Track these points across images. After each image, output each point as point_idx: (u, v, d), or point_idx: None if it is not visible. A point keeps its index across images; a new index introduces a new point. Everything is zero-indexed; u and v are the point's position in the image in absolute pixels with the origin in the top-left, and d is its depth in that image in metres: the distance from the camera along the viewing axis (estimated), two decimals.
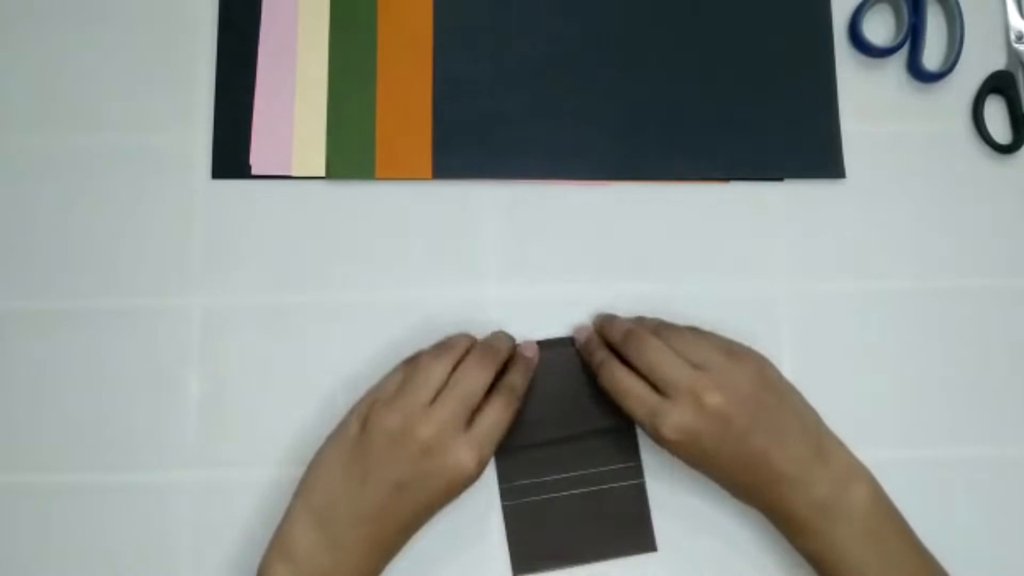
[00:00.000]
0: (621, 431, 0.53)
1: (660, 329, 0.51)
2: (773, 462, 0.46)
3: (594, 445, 0.53)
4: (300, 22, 0.57)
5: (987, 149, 0.58)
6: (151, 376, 0.54)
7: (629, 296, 0.55)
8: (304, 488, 0.48)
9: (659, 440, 0.47)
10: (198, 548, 0.52)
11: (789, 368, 0.54)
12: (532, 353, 0.53)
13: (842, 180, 0.57)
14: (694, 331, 0.51)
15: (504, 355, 0.51)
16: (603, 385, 0.50)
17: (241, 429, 0.53)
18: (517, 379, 0.51)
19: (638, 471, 0.53)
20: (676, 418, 0.46)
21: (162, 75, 0.57)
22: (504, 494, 0.53)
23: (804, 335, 0.55)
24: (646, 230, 0.56)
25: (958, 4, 0.58)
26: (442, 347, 0.50)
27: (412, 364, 0.50)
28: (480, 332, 0.54)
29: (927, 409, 0.55)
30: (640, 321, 0.52)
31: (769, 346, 0.55)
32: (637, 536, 0.53)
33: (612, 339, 0.51)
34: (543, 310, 0.55)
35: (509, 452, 0.51)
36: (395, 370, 0.50)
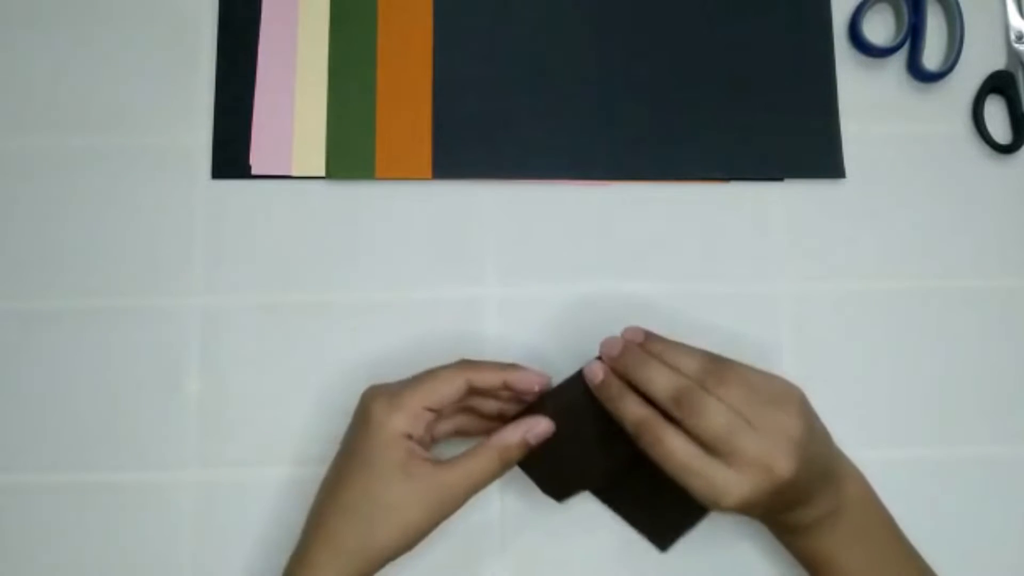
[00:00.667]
0: None
1: (701, 375, 0.44)
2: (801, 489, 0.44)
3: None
4: (300, 22, 0.57)
5: (987, 149, 0.58)
6: (151, 376, 0.54)
7: (629, 296, 0.55)
8: None
9: (717, 510, 0.43)
10: (198, 548, 0.52)
11: (789, 368, 0.54)
12: (543, 428, 0.47)
13: (842, 180, 0.57)
14: (732, 370, 0.45)
15: (484, 376, 0.47)
16: (648, 451, 0.44)
17: (241, 429, 0.53)
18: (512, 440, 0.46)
19: None
20: (745, 492, 0.42)
21: (162, 75, 0.57)
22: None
23: (804, 335, 0.55)
24: (646, 230, 0.56)
25: (958, 4, 0.58)
26: (468, 364, 0.48)
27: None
28: (480, 331, 0.54)
29: (927, 409, 0.55)
30: (662, 349, 0.46)
31: (769, 346, 0.55)
32: (664, 531, 0.52)
33: (651, 390, 0.45)
34: (543, 310, 0.55)
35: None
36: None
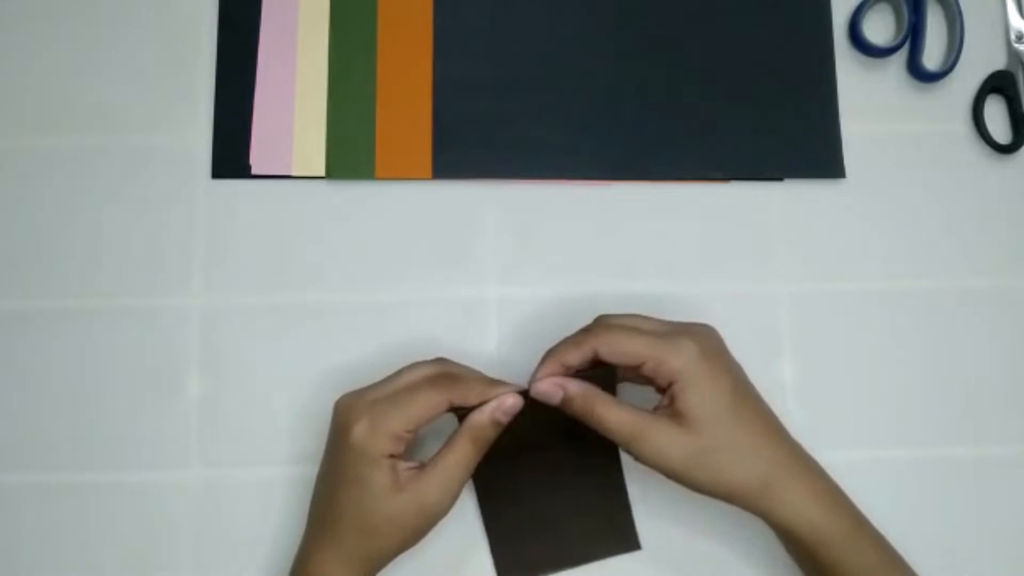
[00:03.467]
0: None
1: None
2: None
3: (569, 452, 0.52)
4: (300, 22, 0.57)
5: (987, 149, 0.58)
6: (151, 376, 0.54)
7: (629, 296, 0.55)
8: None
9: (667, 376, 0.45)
10: (198, 548, 0.52)
11: (789, 368, 0.54)
12: (511, 405, 0.47)
13: (842, 180, 0.57)
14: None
15: (464, 391, 0.46)
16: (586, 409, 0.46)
17: (241, 429, 0.53)
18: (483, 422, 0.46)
19: (617, 468, 0.52)
20: (688, 345, 0.46)
21: (162, 75, 0.57)
22: (482, 502, 0.52)
23: (804, 335, 0.55)
24: (646, 230, 0.56)
25: (958, 4, 0.58)
26: (449, 378, 0.47)
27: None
28: (480, 331, 0.54)
29: (927, 409, 0.55)
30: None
31: (769, 346, 0.55)
32: (621, 535, 0.52)
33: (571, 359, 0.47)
34: (543, 310, 0.55)
35: (485, 463, 0.48)
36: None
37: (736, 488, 0.46)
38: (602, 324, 0.48)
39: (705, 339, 0.47)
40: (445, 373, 0.47)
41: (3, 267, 0.55)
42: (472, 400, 0.46)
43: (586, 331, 0.48)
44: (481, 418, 0.46)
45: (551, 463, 0.52)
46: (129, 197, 0.56)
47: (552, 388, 0.46)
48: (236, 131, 0.56)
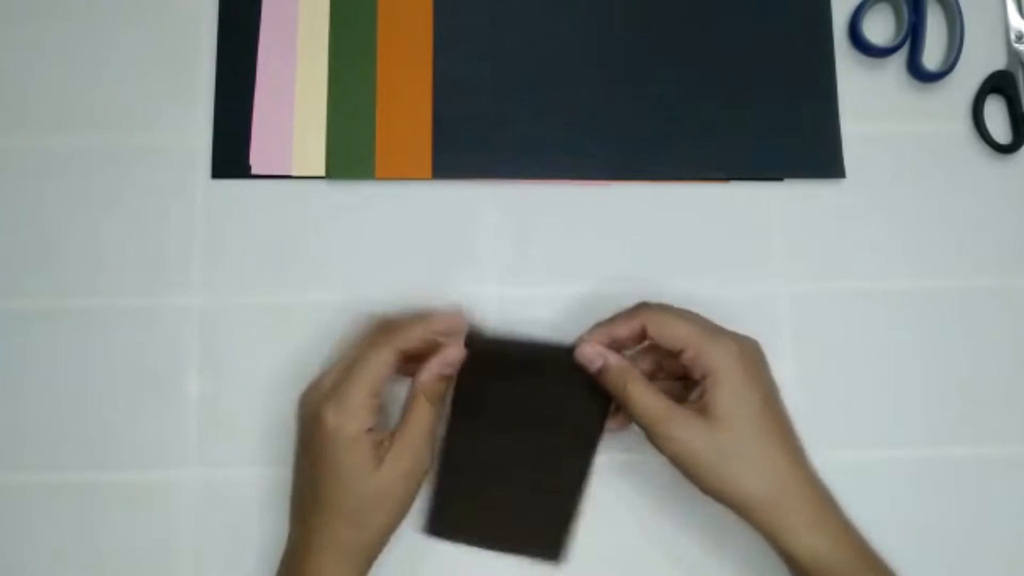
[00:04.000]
0: (581, 432, 0.51)
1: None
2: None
3: (546, 440, 0.51)
4: (300, 22, 0.57)
5: (987, 149, 0.58)
6: (151, 376, 0.54)
7: (629, 296, 0.55)
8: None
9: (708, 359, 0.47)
10: (198, 548, 0.52)
11: (789, 368, 0.54)
12: (455, 355, 0.48)
13: (842, 180, 0.57)
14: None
15: (407, 340, 0.47)
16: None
17: (241, 429, 0.53)
18: (430, 378, 0.48)
19: (583, 474, 0.51)
20: (730, 345, 0.47)
21: (162, 75, 0.57)
22: (443, 455, 0.50)
23: (804, 335, 0.55)
24: (646, 230, 0.56)
25: (958, 4, 0.58)
26: (384, 330, 0.49)
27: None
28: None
29: (927, 409, 0.55)
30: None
31: (769, 346, 0.55)
32: (550, 542, 0.51)
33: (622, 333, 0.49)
34: (543, 310, 0.55)
35: (463, 418, 0.50)
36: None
37: (744, 496, 0.46)
38: (652, 306, 0.49)
39: (748, 346, 0.48)
40: (381, 327, 0.49)
41: (3, 267, 0.55)
42: (414, 340, 0.48)
43: (637, 308, 0.49)
44: (428, 377, 0.47)
45: (524, 444, 0.51)
46: (129, 197, 0.56)
47: (594, 355, 0.48)
48: (236, 131, 0.56)
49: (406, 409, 0.48)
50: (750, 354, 0.48)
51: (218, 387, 0.54)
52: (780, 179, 0.57)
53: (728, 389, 0.46)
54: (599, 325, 0.49)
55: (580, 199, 0.56)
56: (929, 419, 0.55)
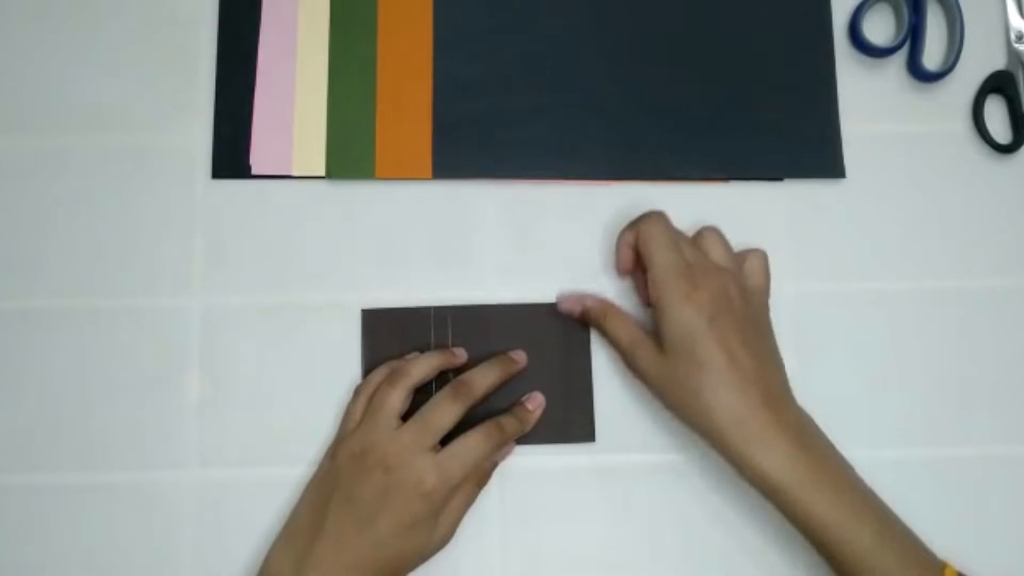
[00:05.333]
0: (574, 340, 0.54)
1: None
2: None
3: (545, 339, 0.54)
4: (300, 22, 0.57)
5: (987, 149, 0.58)
6: (151, 376, 0.54)
7: (629, 296, 0.55)
8: (284, 529, 0.50)
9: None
10: (198, 548, 0.52)
11: (789, 368, 0.54)
12: (522, 361, 0.53)
13: (842, 180, 0.57)
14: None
15: (477, 393, 0.51)
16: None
17: (241, 429, 0.53)
18: (507, 421, 0.51)
19: (587, 356, 0.54)
20: (668, 267, 0.49)
21: (162, 75, 0.57)
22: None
23: (804, 335, 0.55)
24: None
25: (958, 4, 0.58)
26: (396, 374, 0.51)
27: (370, 395, 0.51)
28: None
29: (927, 409, 0.55)
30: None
31: None
32: (580, 424, 0.54)
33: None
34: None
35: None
36: (353, 402, 0.51)
37: (705, 422, 0.47)
38: (657, 219, 0.51)
39: (708, 276, 0.49)
40: (461, 390, 0.50)
41: (3, 267, 0.55)
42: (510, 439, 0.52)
43: (629, 234, 0.53)
44: (486, 469, 0.52)
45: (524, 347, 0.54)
46: (129, 197, 0.56)
47: (572, 305, 0.54)
48: (236, 131, 0.56)
49: (459, 488, 0.49)
50: (701, 274, 0.49)
51: (218, 387, 0.54)
52: (780, 179, 0.57)
53: (667, 317, 0.48)
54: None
55: (580, 199, 0.56)
56: (929, 419, 0.55)
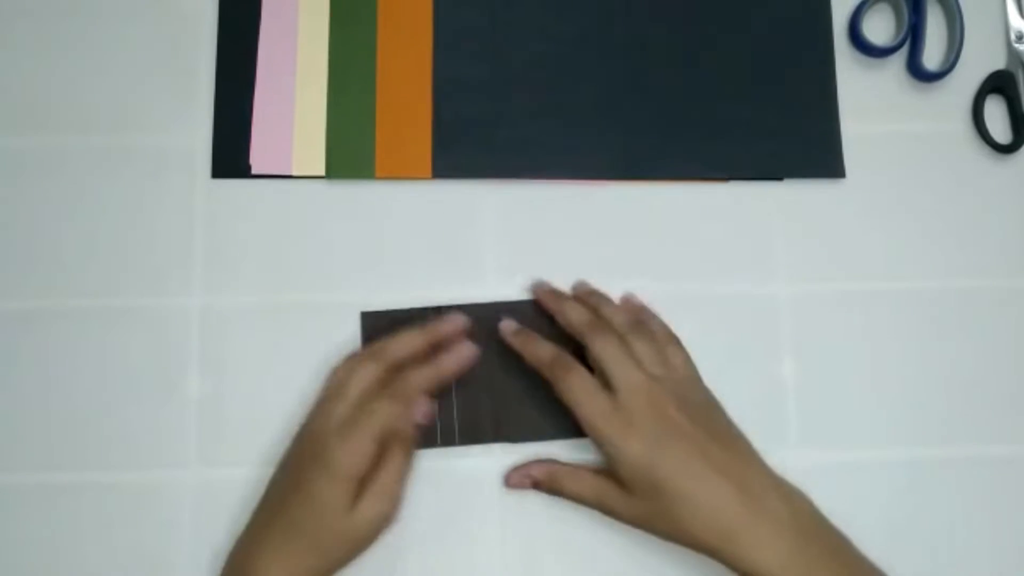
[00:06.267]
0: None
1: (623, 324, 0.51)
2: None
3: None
4: (300, 22, 0.57)
5: (987, 149, 0.58)
6: (151, 376, 0.54)
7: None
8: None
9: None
10: (197, 548, 0.52)
11: (789, 368, 0.54)
12: (457, 360, 0.51)
13: (842, 180, 0.57)
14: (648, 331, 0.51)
15: (417, 389, 0.49)
16: (556, 385, 0.49)
17: (241, 429, 0.53)
18: (412, 372, 0.50)
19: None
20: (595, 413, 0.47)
21: (162, 75, 0.57)
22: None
23: (804, 335, 0.55)
24: (646, 230, 0.56)
25: (958, 4, 0.58)
26: (369, 350, 0.51)
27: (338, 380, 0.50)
28: None
29: (927, 409, 0.55)
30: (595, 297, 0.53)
31: (769, 346, 0.55)
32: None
33: (568, 319, 0.51)
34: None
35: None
36: (325, 384, 0.51)
37: (697, 542, 0.46)
38: (567, 367, 0.49)
39: (638, 398, 0.47)
40: (388, 367, 0.49)
41: (3, 267, 0.55)
42: (426, 388, 0.49)
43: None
44: (405, 429, 0.49)
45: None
46: (129, 197, 0.56)
47: (521, 480, 0.51)
48: (236, 131, 0.56)
49: (383, 459, 0.48)
50: (630, 401, 0.47)
51: (218, 387, 0.54)
52: (780, 179, 0.57)
53: (616, 462, 0.47)
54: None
55: (580, 199, 0.56)
56: (929, 419, 0.55)
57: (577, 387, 0.48)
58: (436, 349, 0.51)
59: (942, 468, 0.54)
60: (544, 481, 0.51)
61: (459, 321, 0.52)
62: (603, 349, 0.48)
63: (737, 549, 0.45)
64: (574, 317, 0.51)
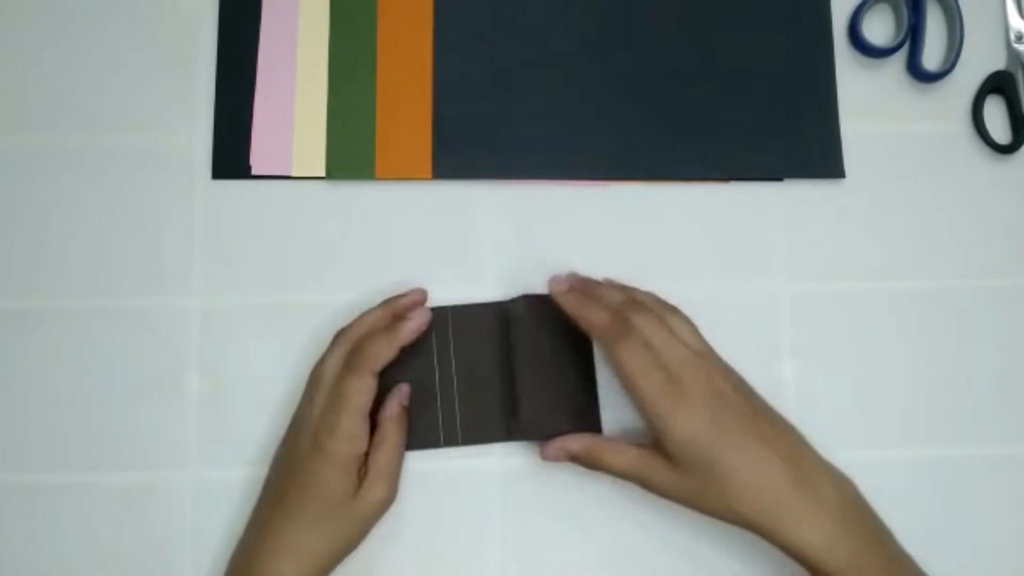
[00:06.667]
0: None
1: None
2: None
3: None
4: (300, 22, 0.57)
5: (987, 149, 0.58)
6: (150, 376, 0.54)
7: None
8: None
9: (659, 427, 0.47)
10: (197, 548, 0.52)
11: (789, 368, 0.54)
12: (414, 324, 0.51)
13: (842, 180, 0.57)
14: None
15: (376, 358, 0.49)
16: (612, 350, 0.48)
17: (241, 429, 0.53)
18: (368, 341, 0.50)
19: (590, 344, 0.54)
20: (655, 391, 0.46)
21: (162, 75, 0.57)
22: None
23: (804, 335, 0.55)
24: (646, 230, 0.56)
25: (958, 4, 0.58)
26: (335, 340, 0.51)
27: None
28: None
29: (926, 409, 0.55)
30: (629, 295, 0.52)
31: (769, 346, 0.55)
32: (591, 420, 0.53)
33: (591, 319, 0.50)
34: None
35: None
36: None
37: (742, 519, 0.46)
38: (626, 331, 0.48)
39: (693, 374, 0.47)
40: (352, 347, 0.50)
41: (3, 267, 0.55)
42: (387, 358, 0.49)
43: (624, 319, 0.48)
44: (391, 411, 0.50)
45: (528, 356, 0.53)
46: (129, 197, 0.56)
47: (557, 453, 0.50)
48: (236, 131, 0.56)
49: (376, 441, 0.49)
50: (687, 383, 0.46)
51: (218, 387, 0.54)
52: (780, 179, 0.57)
53: (670, 438, 0.46)
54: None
55: (580, 199, 0.56)
56: (928, 419, 0.55)
57: (637, 358, 0.46)
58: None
59: (942, 468, 0.54)
60: (582, 454, 0.50)
61: (419, 294, 0.53)
62: (646, 326, 0.48)
63: (782, 526, 0.45)
64: (608, 299, 0.50)
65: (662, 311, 0.50)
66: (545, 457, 0.51)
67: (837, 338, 0.56)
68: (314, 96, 0.56)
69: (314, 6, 0.57)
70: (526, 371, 0.53)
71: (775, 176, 0.57)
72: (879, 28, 0.59)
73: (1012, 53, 0.59)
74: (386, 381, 0.50)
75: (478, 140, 0.56)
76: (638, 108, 0.57)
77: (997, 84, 0.58)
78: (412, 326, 0.50)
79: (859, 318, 0.56)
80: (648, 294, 0.52)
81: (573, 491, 0.53)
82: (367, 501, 0.48)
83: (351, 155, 0.56)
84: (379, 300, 0.54)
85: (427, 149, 0.56)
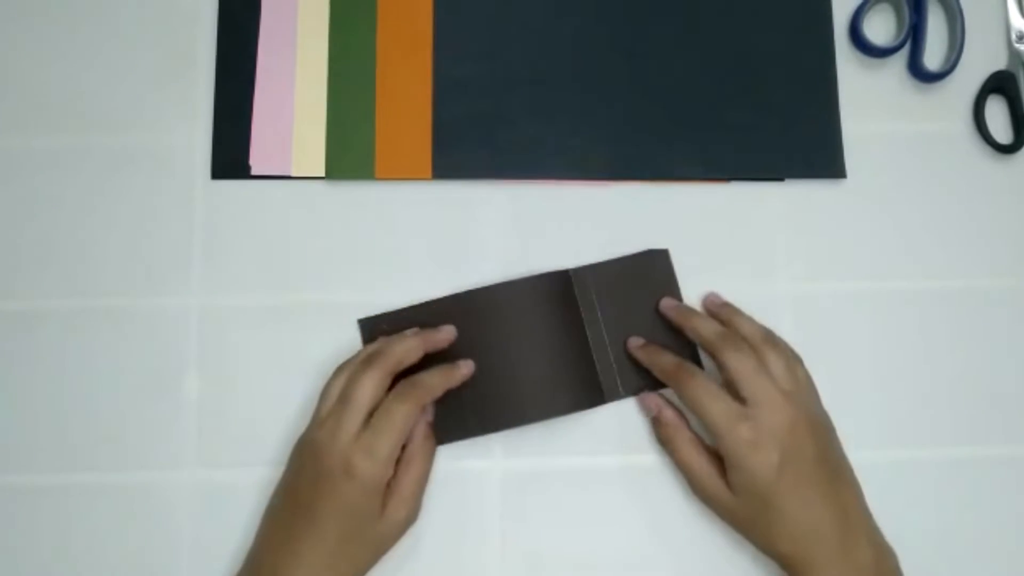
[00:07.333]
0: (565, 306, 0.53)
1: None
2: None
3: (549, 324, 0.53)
4: (300, 22, 0.57)
5: (987, 149, 0.58)
6: (150, 376, 0.54)
7: None
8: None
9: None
10: (197, 548, 0.52)
11: None
12: (467, 370, 0.52)
13: (842, 180, 0.57)
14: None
15: (431, 392, 0.50)
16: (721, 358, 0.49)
17: (241, 429, 0.53)
18: (426, 375, 0.50)
19: (583, 326, 0.54)
20: (741, 431, 0.47)
21: (162, 75, 0.57)
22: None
23: (805, 335, 0.55)
24: (646, 230, 0.56)
25: (959, 4, 0.58)
26: (374, 357, 0.50)
27: (342, 390, 0.50)
28: None
29: (927, 409, 0.55)
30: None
31: None
32: (592, 395, 0.53)
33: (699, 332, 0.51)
34: None
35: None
36: (329, 385, 0.51)
37: (779, 557, 0.48)
38: (691, 373, 0.50)
39: (772, 415, 0.47)
40: (411, 381, 0.49)
41: (3, 267, 0.55)
42: (439, 392, 0.50)
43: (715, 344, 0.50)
44: (420, 433, 0.51)
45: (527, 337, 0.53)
46: (129, 197, 0.56)
47: (653, 404, 0.52)
48: (236, 131, 0.56)
49: (404, 460, 0.49)
50: (770, 427, 0.47)
51: (218, 387, 0.54)
52: (780, 179, 0.57)
53: (739, 472, 0.47)
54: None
55: (580, 199, 0.56)
56: (929, 419, 0.55)
57: (701, 391, 0.48)
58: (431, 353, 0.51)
59: (942, 468, 0.54)
60: (665, 427, 0.52)
61: (452, 332, 0.52)
62: (739, 362, 0.49)
63: (803, 568, 0.47)
64: (705, 330, 0.51)
65: (759, 341, 0.51)
66: (642, 402, 0.53)
67: (838, 338, 0.56)
68: (314, 96, 0.56)
69: (314, 6, 0.57)
70: (517, 358, 0.52)
71: (776, 176, 0.57)
72: (880, 28, 0.59)
73: (1013, 53, 0.59)
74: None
75: (478, 140, 0.56)
76: (638, 108, 0.57)
77: (998, 84, 0.58)
78: (461, 375, 0.51)
79: (860, 318, 0.56)
80: (748, 319, 0.53)
81: (573, 492, 0.53)
82: (391, 523, 0.48)
83: (351, 155, 0.56)
84: (379, 300, 0.54)
85: (427, 149, 0.56)
